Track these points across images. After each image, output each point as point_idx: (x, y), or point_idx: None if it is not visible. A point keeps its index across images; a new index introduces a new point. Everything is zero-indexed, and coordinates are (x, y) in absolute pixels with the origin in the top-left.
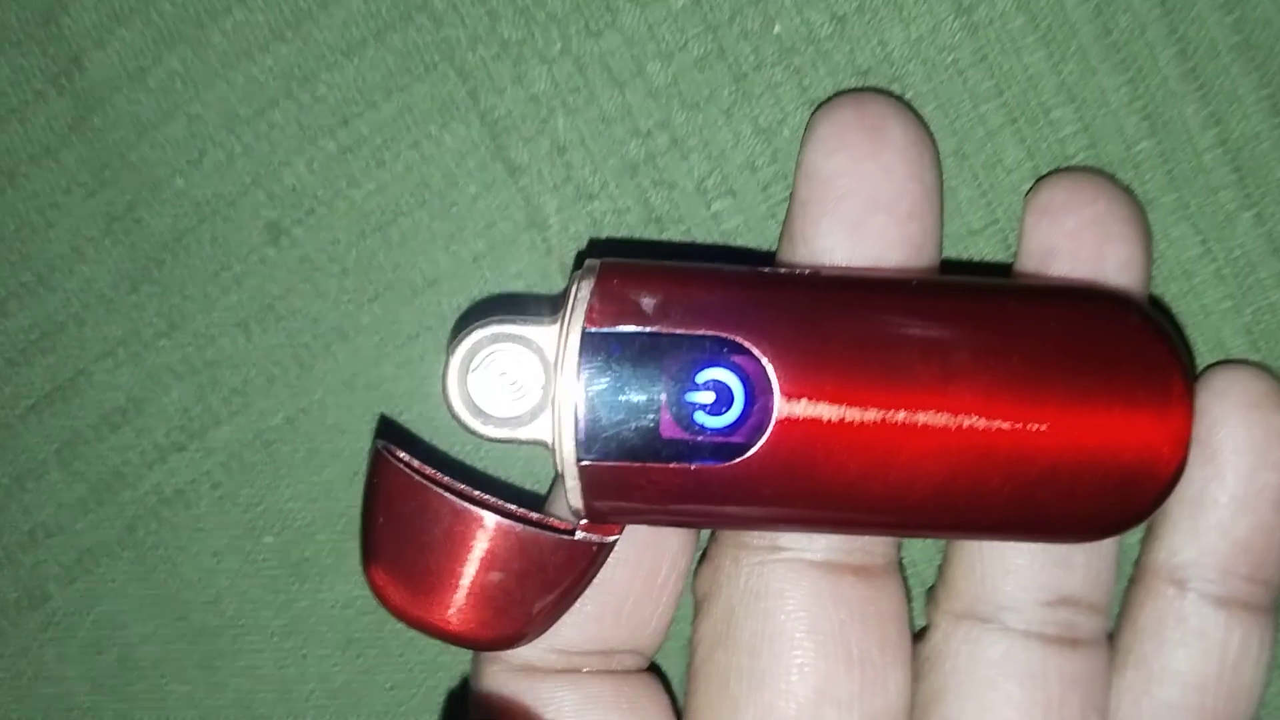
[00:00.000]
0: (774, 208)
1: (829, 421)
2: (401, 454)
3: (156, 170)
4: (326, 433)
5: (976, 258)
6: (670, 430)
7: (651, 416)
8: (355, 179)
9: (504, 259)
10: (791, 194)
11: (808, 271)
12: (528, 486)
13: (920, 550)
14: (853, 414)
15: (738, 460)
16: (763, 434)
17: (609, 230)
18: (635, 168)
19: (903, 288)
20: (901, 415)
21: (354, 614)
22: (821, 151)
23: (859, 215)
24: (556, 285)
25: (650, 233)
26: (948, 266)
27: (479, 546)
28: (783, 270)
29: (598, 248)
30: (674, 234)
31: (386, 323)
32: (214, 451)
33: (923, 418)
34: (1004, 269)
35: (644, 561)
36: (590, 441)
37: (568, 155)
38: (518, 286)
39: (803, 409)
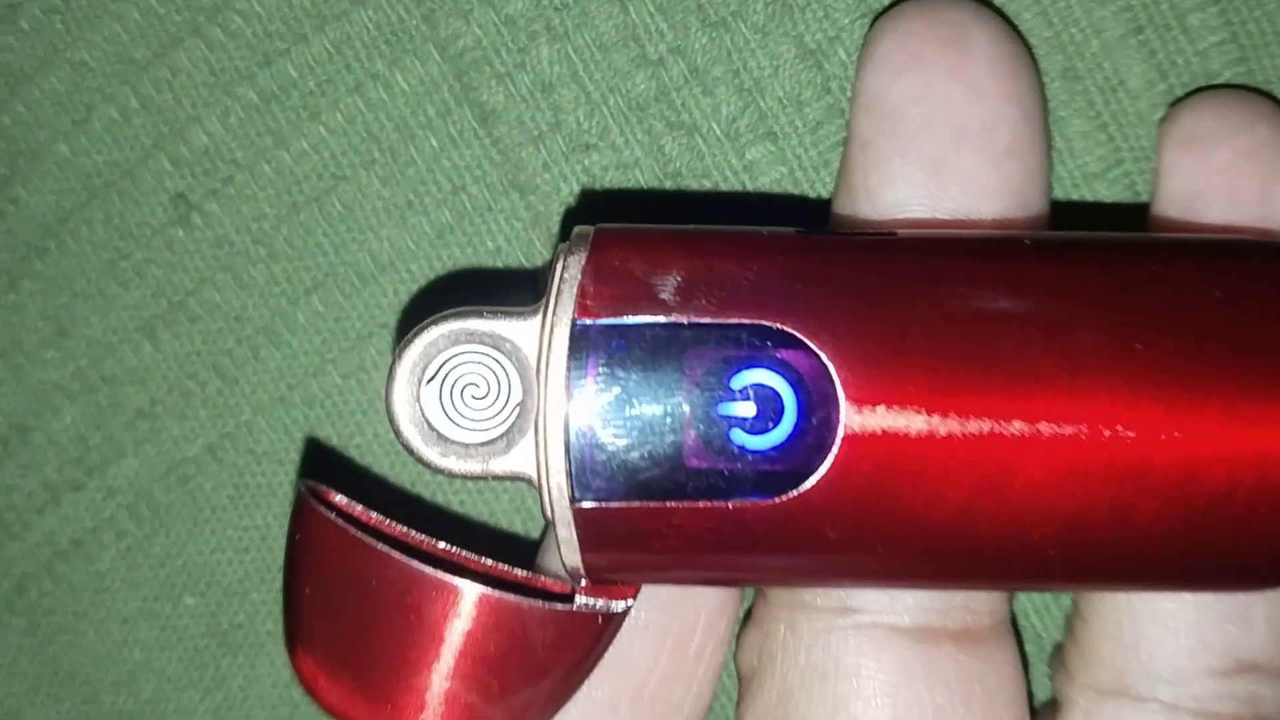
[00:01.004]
0: (826, 153)
1: (916, 436)
2: (337, 497)
3: (34, 134)
4: (257, 464)
5: (1097, 208)
6: (698, 456)
7: (671, 439)
8: (283, 135)
9: (476, 232)
10: (848, 133)
11: (877, 234)
12: (515, 527)
13: (1038, 597)
14: (949, 426)
15: (792, 494)
16: (825, 457)
17: (611, 189)
18: (644, 108)
19: (1009, 250)
20: (1017, 425)
21: (299, 695)
22: (887, 73)
23: (940, 154)
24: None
25: (665, 190)
26: (1059, 221)
27: (442, 624)
28: (843, 233)
29: (593, 210)
30: (696, 191)
31: (328, 320)
32: (118, 491)
33: (1046, 428)
34: (1134, 221)
35: (670, 630)
36: (588, 476)
37: (555, 94)
38: (494, 267)
39: (879, 421)
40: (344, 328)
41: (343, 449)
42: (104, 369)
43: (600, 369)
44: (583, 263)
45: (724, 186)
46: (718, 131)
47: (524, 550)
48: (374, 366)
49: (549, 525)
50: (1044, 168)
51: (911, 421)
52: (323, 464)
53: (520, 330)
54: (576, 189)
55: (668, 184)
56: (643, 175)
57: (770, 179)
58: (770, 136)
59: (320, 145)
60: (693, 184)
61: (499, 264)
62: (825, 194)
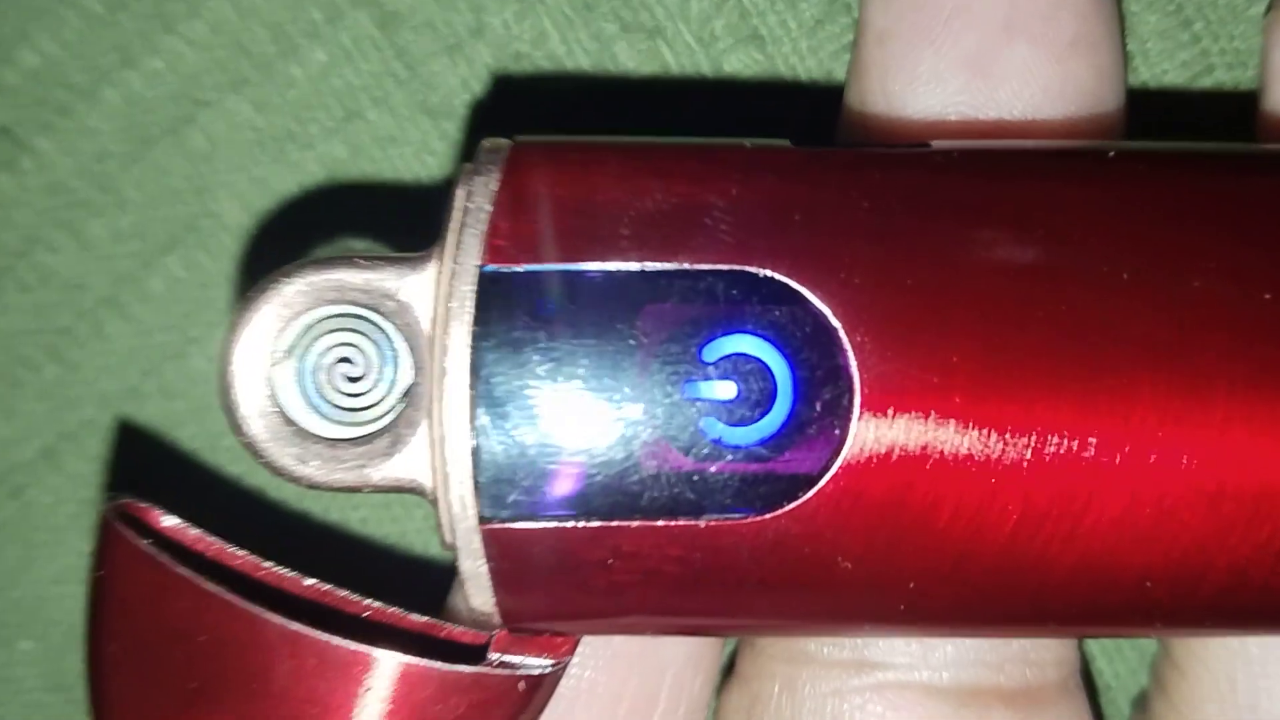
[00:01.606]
0: (829, 61)
1: (960, 431)
2: (165, 520)
3: None
4: (106, 472)
5: (1180, 120)
6: (657, 457)
7: (620, 433)
8: (130, 52)
9: (376, 170)
10: (860, 25)
11: (905, 147)
12: (434, 550)
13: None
14: (1007, 421)
15: (787, 508)
16: (833, 457)
17: (550, 112)
18: (590, 5)
19: (1089, 166)
20: (1106, 429)
21: None
22: None
23: (984, 46)
24: None
25: (621, 113)
26: (1137, 135)
27: (300, 695)
28: (857, 146)
29: (512, 117)
30: (660, 114)
31: (191, 287)
32: None
33: (1148, 430)
34: (1230, 133)
35: (625, 693)
36: (502, 486)
37: None
38: (402, 214)
39: (909, 408)
40: (211, 297)
41: (208, 453)
42: None
43: (519, 335)
44: (493, 187)
45: (696, 107)
46: (687, 36)
47: (439, 583)
48: None
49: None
50: (1118, 65)
51: (954, 411)
52: (185, 471)
53: (408, 283)
54: (505, 112)
55: (623, 105)
56: (590, 93)
57: (756, 95)
58: (755, 40)
59: (177, 63)
60: (656, 105)
61: (407, 209)
62: (830, 117)
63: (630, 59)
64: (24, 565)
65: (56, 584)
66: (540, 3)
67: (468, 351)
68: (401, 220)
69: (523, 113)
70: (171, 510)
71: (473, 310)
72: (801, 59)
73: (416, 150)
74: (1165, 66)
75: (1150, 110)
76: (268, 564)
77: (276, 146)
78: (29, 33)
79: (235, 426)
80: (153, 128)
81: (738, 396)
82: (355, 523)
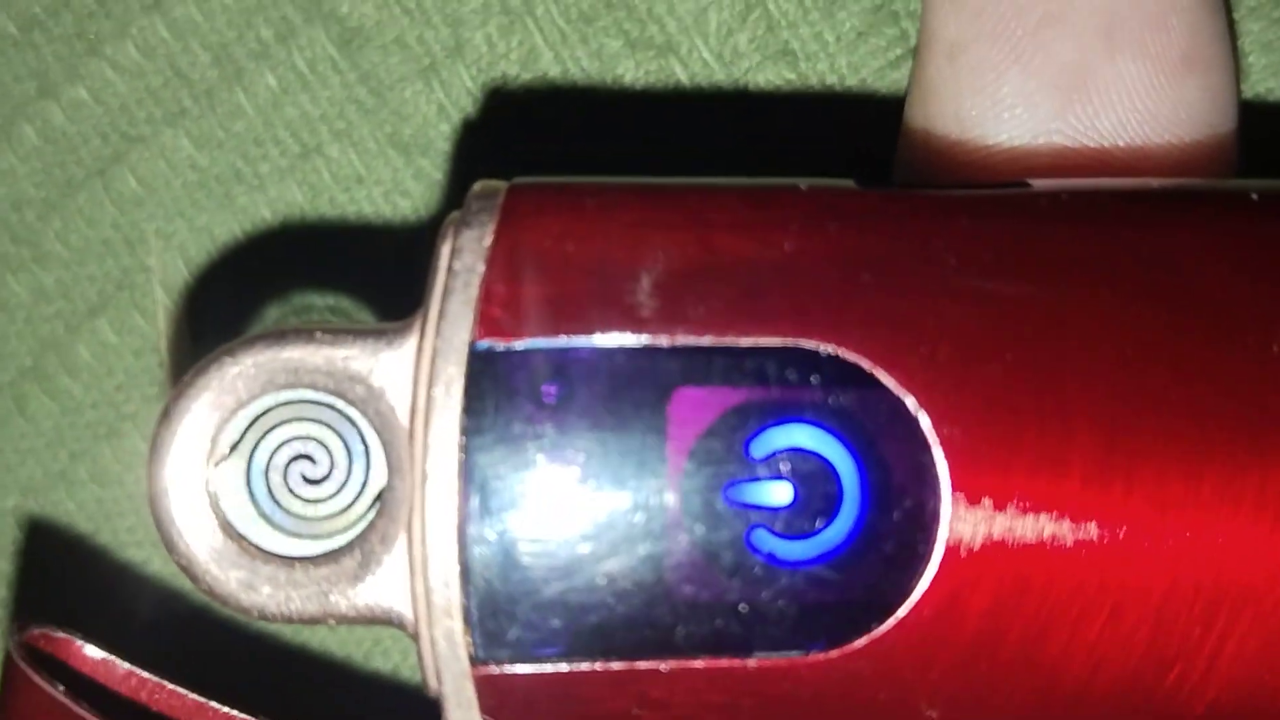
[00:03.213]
0: (873, 79)
1: (1075, 544)
2: (87, 651)
3: None
4: (28, 569)
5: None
6: (693, 579)
7: (646, 549)
8: (49, 80)
9: (339, 214)
10: (923, 38)
11: (997, 186)
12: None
13: None
14: (1141, 533)
15: (858, 644)
16: (916, 578)
17: (542, 144)
18: (590, 18)
19: (1227, 212)
20: (1252, 537)
21: None
22: None
23: (1082, 61)
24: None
25: (626, 142)
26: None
27: None
28: (937, 187)
29: (499, 152)
30: (672, 143)
31: (124, 355)
32: None
33: None
34: None
35: None
36: (501, 620)
37: (454, 0)
38: (368, 270)
39: (1012, 516)
40: (147, 365)
41: (151, 546)
42: None
43: (519, 429)
44: (486, 243)
45: (717, 137)
46: (705, 52)
47: (426, 714)
48: None
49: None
50: (1233, 86)
51: (1068, 517)
52: (120, 572)
53: (382, 363)
54: (491, 146)
55: (630, 134)
56: (591, 121)
57: (788, 121)
58: (786, 57)
59: (104, 92)
60: (669, 135)
61: (376, 263)
62: (879, 148)
63: (638, 80)
64: None
65: None
66: (529, 16)
67: (456, 450)
68: (372, 278)
69: (512, 146)
70: (96, 635)
71: (462, 398)
72: (840, 78)
73: (387, 191)
74: (1272, 84)
75: (1255, 137)
76: (213, 705)
77: (221, 189)
78: None
79: (168, 543)
80: (76, 169)
81: (794, 502)
82: (321, 638)
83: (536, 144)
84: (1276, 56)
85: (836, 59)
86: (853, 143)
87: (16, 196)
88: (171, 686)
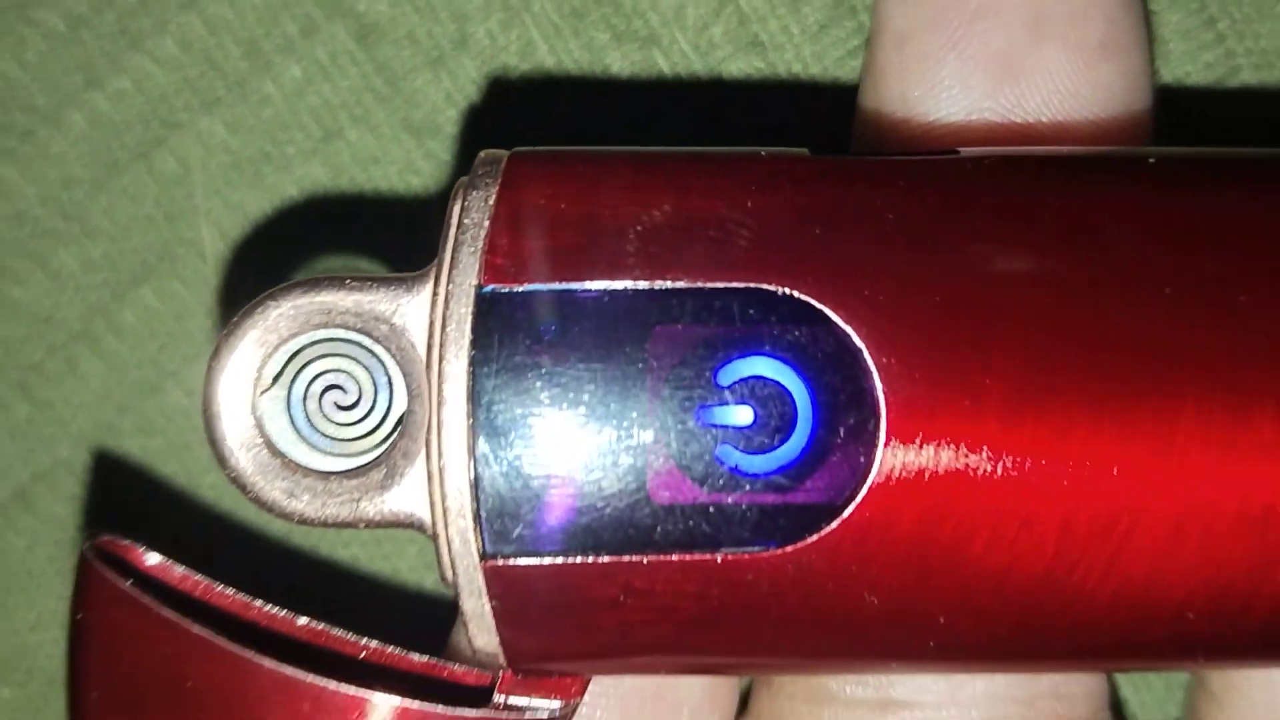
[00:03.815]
0: (834, 67)
1: (992, 458)
2: (148, 557)
3: None
4: (83, 512)
5: (1207, 124)
6: (670, 487)
7: (630, 462)
8: (95, 72)
9: (358, 191)
10: (874, 27)
11: (932, 154)
12: (430, 582)
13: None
14: (1041, 445)
15: (809, 540)
16: (857, 486)
17: (541, 125)
18: (580, 13)
19: (1128, 175)
20: (1150, 451)
21: None
22: None
23: (1011, 49)
24: None
25: (614, 125)
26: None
27: None
28: (880, 154)
29: (500, 132)
30: (655, 127)
31: (166, 319)
32: None
33: (1192, 453)
34: (1264, 138)
35: None
36: (505, 520)
37: None
38: (388, 237)
39: (939, 434)
40: (187, 328)
41: (192, 489)
42: None
43: (520, 360)
44: (490, 202)
45: (695, 118)
46: (683, 43)
47: (440, 620)
48: None
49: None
50: (1147, 68)
51: (988, 435)
52: (167, 510)
53: (402, 305)
54: (493, 128)
55: (618, 117)
56: (583, 106)
57: (759, 104)
58: (756, 47)
59: (145, 82)
60: (653, 116)
61: (393, 232)
62: (839, 127)
63: (624, 69)
64: (1, 611)
65: (35, 630)
66: (526, 12)
67: (466, 378)
68: (388, 244)
69: (512, 128)
70: (154, 548)
71: (471, 333)
72: (805, 65)
73: (400, 170)
74: (1189, 68)
75: (1174, 114)
76: (258, 603)
77: (252, 169)
78: None
79: (221, 459)
80: (121, 151)
81: (755, 422)
82: (347, 559)
83: (534, 127)
84: (1193, 43)
85: (801, 48)
86: (816, 124)
87: (66, 176)
88: (220, 588)
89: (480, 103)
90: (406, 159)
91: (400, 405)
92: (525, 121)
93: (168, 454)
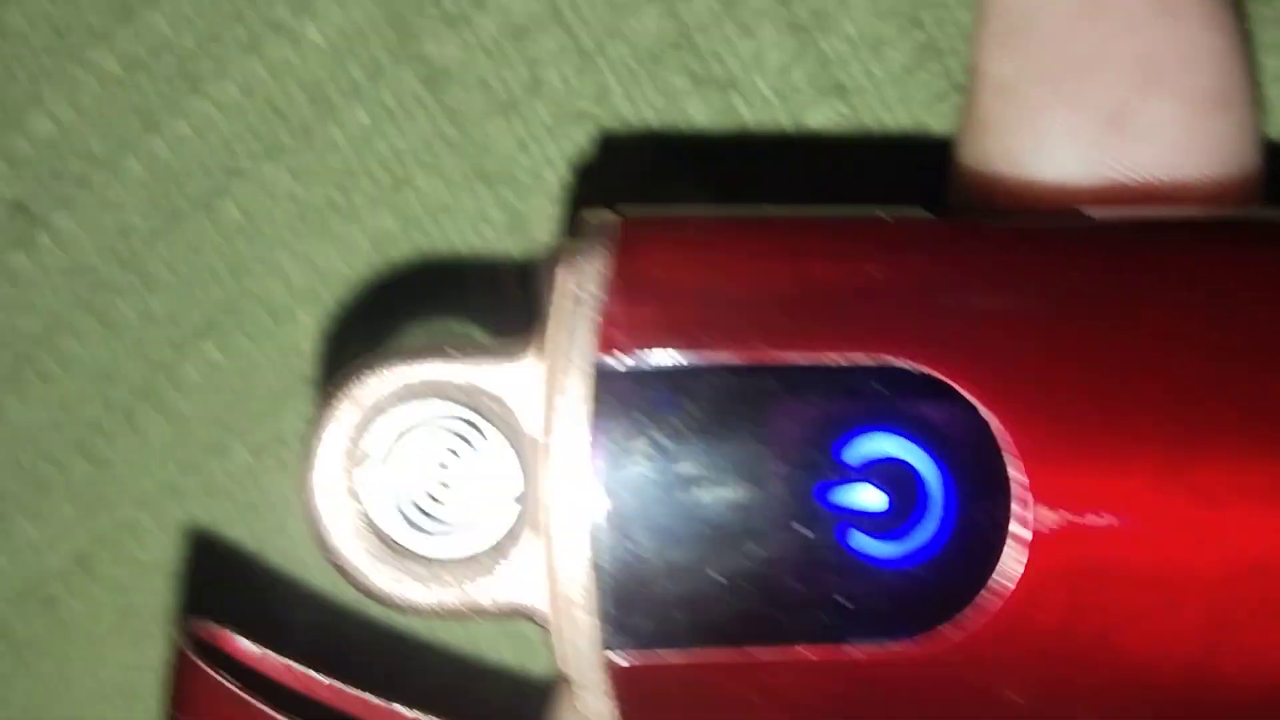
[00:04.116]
0: (921, 111)
1: (1149, 548)
2: (240, 644)
3: None
4: (144, 577)
5: None
6: (797, 574)
7: (754, 547)
8: (154, 117)
9: (428, 242)
10: (975, 77)
11: (1060, 218)
12: (509, 657)
13: None
14: (1200, 531)
15: (943, 633)
16: (993, 575)
17: (616, 175)
18: (657, 58)
19: (1265, 236)
20: None
21: None
22: None
23: (1121, 100)
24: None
25: (693, 175)
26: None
27: None
28: (1009, 219)
29: (603, 187)
30: (737, 174)
31: (230, 375)
32: None
33: None
34: None
35: None
36: (630, 611)
37: (530, 42)
38: (460, 289)
39: (1082, 513)
40: (253, 385)
41: (258, 553)
42: None
43: (640, 438)
44: (603, 269)
45: (777, 166)
46: (764, 88)
47: (527, 699)
48: (295, 437)
49: (565, 685)
50: (1257, 119)
51: (1134, 518)
52: (230, 575)
53: (508, 378)
54: (567, 176)
55: (696, 165)
56: (659, 152)
57: (842, 151)
58: (838, 91)
59: (206, 128)
60: (732, 165)
61: (462, 283)
62: (927, 175)
63: (702, 115)
64: (61, 682)
65: (97, 702)
66: (601, 56)
67: (583, 456)
68: (460, 297)
69: (586, 176)
70: (231, 621)
71: (587, 410)
72: (889, 110)
73: (472, 220)
74: None
75: (1274, 164)
76: (349, 689)
77: (318, 218)
78: (41, 97)
79: (321, 543)
80: (181, 200)
81: (884, 505)
82: (422, 629)
83: (609, 175)
84: None
85: (885, 93)
86: (903, 171)
87: (124, 225)
88: (319, 677)
89: (554, 149)
90: (479, 208)
91: (508, 484)
92: (600, 168)
93: (234, 516)
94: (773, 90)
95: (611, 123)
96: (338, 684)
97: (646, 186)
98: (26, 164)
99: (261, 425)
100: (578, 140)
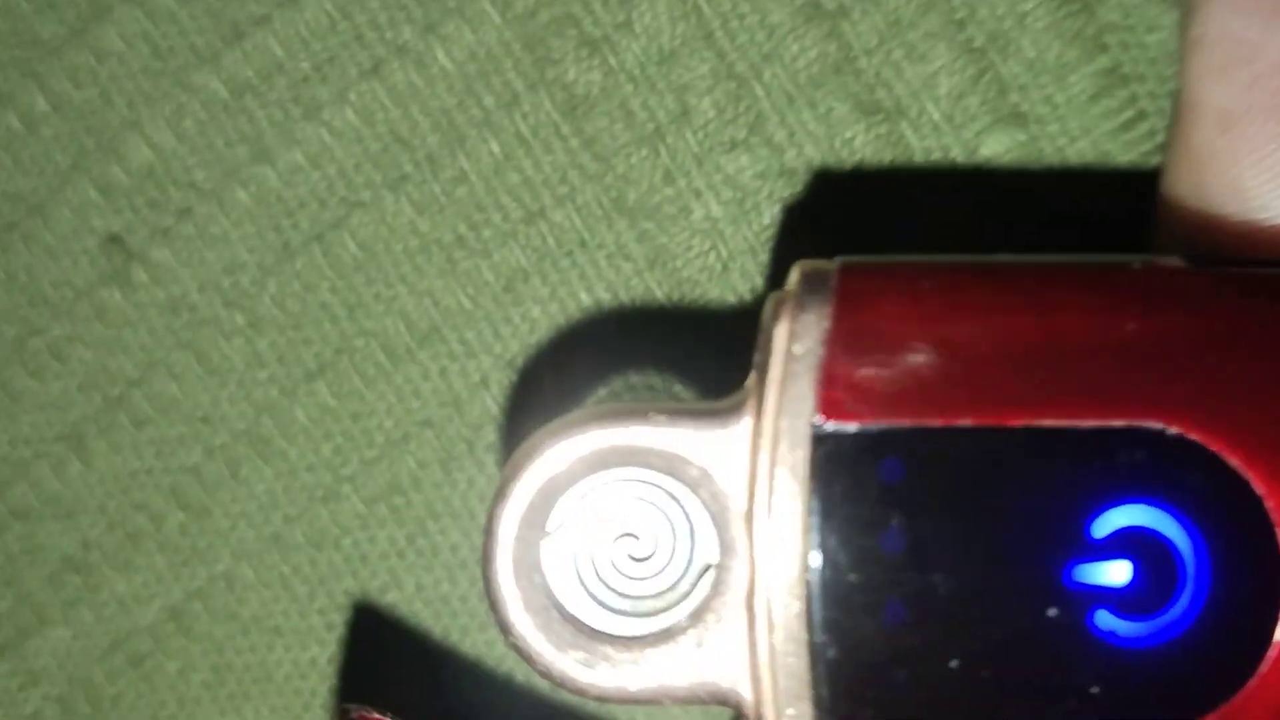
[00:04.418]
0: (1105, 141)
1: None
2: None
3: None
4: (244, 634)
5: None
6: (1038, 659)
7: (991, 633)
8: (265, 145)
9: (564, 280)
10: (1184, 109)
11: None
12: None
13: None
14: None
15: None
16: (1258, 658)
17: (774, 213)
18: (818, 83)
19: None
20: None
21: None
22: (1252, 11)
23: None
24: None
25: (858, 211)
26: None
27: None
28: (1266, 269)
29: (748, 247)
30: (906, 210)
31: (342, 418)
32: (42, 676)
33: None
34: None
35: None
36: (848, 702)
37: (678, 68)
38: (644, 341)
39: None
40: (366, 428)
41: (375, 607)
42: (12, 498)
43: (864, 510)
44: (825, 325)
45: (951, 200)
46: (934, 114)
47: None
48: (412, 484)
49: None
50: None
51: None
52: (348, 635)
53: (716, 443)
54: (717, 212)
55: (860, 200)
56: (819, 184)
57: (1020, 184)
58: (1016, 119)
59: (322, 156)
60: (899, 199)
61: (602, 327)
62: (1110, 208)
63: (866, 144)
64: None
65: None
66: (757, 81)
67: (801, 532)
68: (597, 338)
69: (739, 210)
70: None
71: (805, 479)
72: (1071, 140)
73: (610, 256)
74: None
75: None
76: None
77: (443, 254)
78: (140, 123)
79: (504, 625)
80: (293, 233)
81: (1136, 582)
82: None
83: (770, 209)
84: None
85: (1068, 122)
86: (1089, 205)
87: (230, 260)
88: None
89: (700, 178)
90: (617, 242)
91: (703, 558)
92: (754, 204)
93: (343, 568)
94: (945, 118)
95: (766, 153)
96: None
97: (808, 224)
98: (123, 194)
99: (375, 472)
100: (729, 172)
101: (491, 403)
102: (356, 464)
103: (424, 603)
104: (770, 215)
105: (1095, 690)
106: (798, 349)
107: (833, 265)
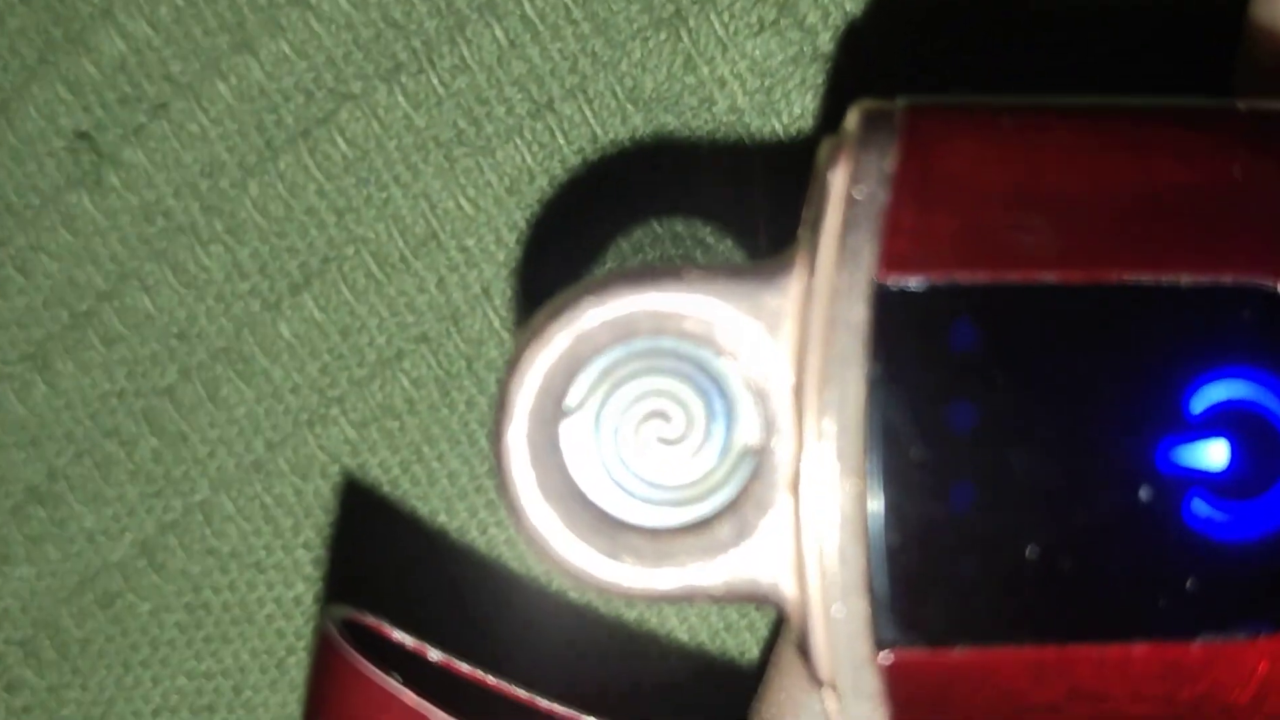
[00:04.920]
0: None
1: None
2: (395, 636)
3: None
4: (222, 571)
5: None
6: (1126, 552)
7: (1075, 521)
8: (246, 32)
9: (570, 176)
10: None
11: None
12: (700, 637)
13: None
14: None
15: None
16: None
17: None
18: None
19: None
20: None
21: None
22: None
23: None
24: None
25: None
26: None
27: None
28: None
29: (864, 68)
30: (1023, 50)
31: (330, 334)
32: (5, 618)
33: None
34: None
35: None
36: (910, 598)
37: None
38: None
39: None
40: (356, 345)
41: (366, 540)
42: None
43: (933, 380)
44: (889, 169)
45: (1068, 48)
46: None
47: (725, 687)
48: (408, 408)
49: (820, 686)
50: None
51: None
52: (333, 569)
53: (759, 305)
54: (743, 103)
55: (901, 87)
56: (858, 73)
57: (1083, 42)
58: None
59: (309, 45)
60: (944, 85)
61: (617, 224)
62: (1203, 49)
63: (910, 23)
64: (120, 690)
65: (160, 714)
66: None
67: (860, 404)
68: (607, 242)
69: (770, 102)
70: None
71: (868, 344)
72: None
73: (623, 152)
74: None
75: None
76: (504, 682)
77: (441, 152)
78: (112, 11)
79: (514, 513)
80: (276, 131)
81: (1237, 465)
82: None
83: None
84: None
85: None
86: (1178, 44)
87: (208, 161)
88: (485, 674)
89: (725, 70)
90: (632, 138)
91: (743, 440)
92: (783, 94)
93: (331, 498)
94: None
95: (798, 37)
96: (501, 680)
97: (867, 72)
98: (94, 89)
99: (366, 393)
100: (755, 58)
101: (493, 316)
102: (346, 384)
103: (420, 536)
104: (801, 106)
105: (1189, 585)
106: (858, 194)
107: (898, 104)
